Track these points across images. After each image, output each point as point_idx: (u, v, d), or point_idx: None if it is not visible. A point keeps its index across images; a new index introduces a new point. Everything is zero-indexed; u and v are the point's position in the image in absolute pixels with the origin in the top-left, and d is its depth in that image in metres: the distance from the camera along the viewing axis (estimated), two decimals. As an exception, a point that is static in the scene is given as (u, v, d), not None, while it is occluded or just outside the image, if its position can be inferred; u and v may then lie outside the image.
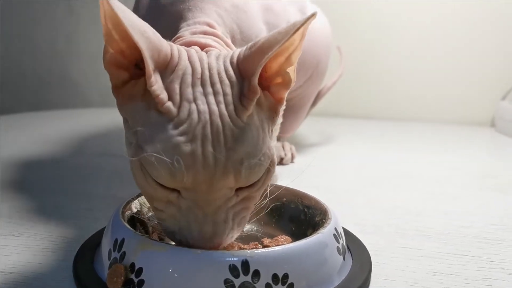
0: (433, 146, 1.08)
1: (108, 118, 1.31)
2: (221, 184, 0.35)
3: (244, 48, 0.38)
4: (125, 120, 0.39)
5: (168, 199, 0.37)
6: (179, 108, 0.35)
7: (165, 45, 0.37)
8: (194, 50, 0.39)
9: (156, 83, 0.35)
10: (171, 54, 0.37)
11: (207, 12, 0.51)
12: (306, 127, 1.02)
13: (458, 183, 0.76)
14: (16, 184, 0.70)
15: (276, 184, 0.50)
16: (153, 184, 0.36)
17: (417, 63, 1.40)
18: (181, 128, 0.34)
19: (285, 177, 0.69)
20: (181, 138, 0.34)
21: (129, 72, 0.38)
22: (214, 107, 0.35)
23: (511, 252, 0.50)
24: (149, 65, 0.35)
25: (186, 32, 0.48)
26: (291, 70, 0.39)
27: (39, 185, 0.70)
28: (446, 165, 0.88)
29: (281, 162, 0.84)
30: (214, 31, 0.49)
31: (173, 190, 0.36)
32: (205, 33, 0.48)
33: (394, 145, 1.08)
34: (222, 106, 0.36)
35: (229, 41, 0.49)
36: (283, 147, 0.86)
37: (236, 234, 0.38)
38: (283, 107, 0.41)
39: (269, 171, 0.38)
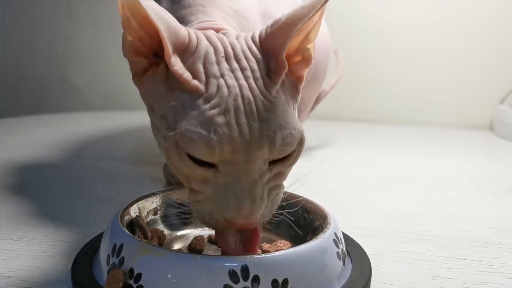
0: (431, 149, 1.08)
1: (108, 121, 1.31)
2: (257, 154, 0.35)
3: (265, 28, 0.38)
4: (150, 108, 0.39)
5: (205, 177, 0.36)
6: (206, 84, 0.35)
7: (183, 29, 0.37)
8: (211, 33, 0.40)
9: (177, 64, 0.35)
10: (189, 38, 0.37)
11: (211, 15, 0.51)
12: (305, 130, 1.02)
13: (456, 187, 0.76)
14: (15, 187, 0.70)
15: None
16: (190, 163, 0.36)
17: (416, 67, 1.40)
18: (213, 102, 0.35)
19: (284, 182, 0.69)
20: (214, 111, 0.34)
21: (148, 59, 0.38)
22: (243, 82, 0.36)
23: (509, 256, 0.50)
24: (168, 46, 0.35)
25: (194, 26, 0.48)
26: (311, 47, 0.39)
27: (38, 189, 0.70)
28: (444, 169, 0.88)
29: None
30: (222, 25, 0.48)
31: (210, 167, 0.36)
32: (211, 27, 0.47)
33: (392, 148, 1.08)
34: (251, 81, 0.36)
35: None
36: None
37: (268, 215, 0.38)
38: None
39: (301, 145, 0.38)
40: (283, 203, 0.49)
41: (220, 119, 0.34)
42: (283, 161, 0.38)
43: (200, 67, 0.36)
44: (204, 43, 0.37)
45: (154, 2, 0.35)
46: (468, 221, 0.60)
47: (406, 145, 1.11)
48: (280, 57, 0.36)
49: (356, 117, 1.45)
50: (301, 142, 0.38)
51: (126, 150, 0.98)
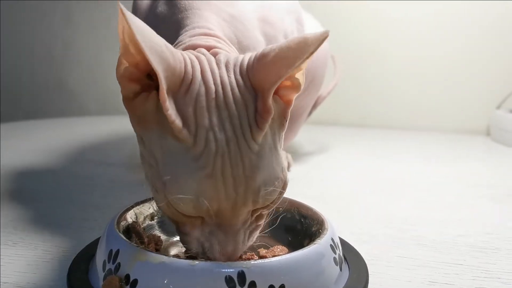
0: (428, 154, 1.08)
1: (105, 126, 1.31)
2: (242, 210, 0.37)
3: (253, 56, 0.38)
4: (140, 137, 0.39)
5: (193, 224, 0.38)
6: (195, 136, 0.35)
7: (179, 61, 0.36)
8: (204, 57, 0.39)
9: (171, 109, 0.35)
10: (185, 70, 0.37)
11: (206, 19, 0.51)
12: (302, 136, 1.02)
13: (453, 192, 0.76)
14: (11, 193, 0.70)
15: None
16: (179, 216, 0.38)
17: (412, 72, 1.41)
18: (201, 162, 0.35)
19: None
20: (201, 173, 0.35)
21: (140, 83, 0.37)
22: (231, 133, 0.36)
23: (506, 261, 0.50)
24: (164, 88, 0.34)
25: (185, 36, 0.48)
26: (300, 75, 0.39)
27: (34, 194, 0.70)
28: (441, 174, 0.88)
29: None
30: (215, 32, 0.48)
31: (197, 217, 0.38)
32: (205, 34, 0.47)
33: (389, 153, 1.08)
34: (239, 133, 0.36)
35: (229, 42, 0.49)
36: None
37: (244, 249, 0.40)
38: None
39: (281, 193, 0.39)
40: (280, 208, 0.49)
41: (209, 182, 0.35)
42: (264, 207, 0.39)
43: (191, 111, 0.36)
44: (198, 81, 0.37)
45: (151, 30, 0.35)
46: (465, 226, 0.60)
47: (403, 150, 1.12)
48: (266, 102, 0.36)
49: (353, 122, 1.45)
50: (283, 188, 0.39)
51: (123, 155, 0.98)
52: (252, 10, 0.59)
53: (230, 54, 0.42)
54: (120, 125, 1.31)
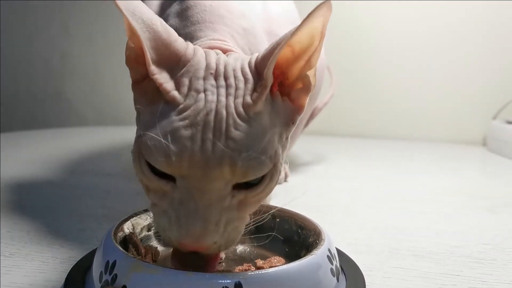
0: (425, 165, 1.08)
1: (103, 136, 1.31)
2: (217, 172, 0.34)
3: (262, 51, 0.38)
4: (138, 114, 0.39)
5: (163, 190, 0.36)
6: (185, 97, 0.35)
7: (179, 41, 0.37)
8: (214, 52, 0.40)
9: (159, 73, 0.36)
10: (186, 51, 0.37)
11: (220, 32, 0.51)
12: (298, 146, 1.02)
13: (450, 203, 0.76)
14: (8, 203, 0.69)
15: (269, 205, 0.50)
16: (148, 172, 0.36)
17: (409, 83, 1.42)
18: (184, 114, 0.34)
19: (278, 196, 0.69)
20: (181, 123, 0.34)
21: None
22: (223, 98, 0.35)
23: (503, 272, 0.50)
24: (148, 54, 0.35)
25: (202, 43, 0.48)
26: (311, 74, 0.39)
27: (31, 205, 0.70)
28: (438, 185, 0.88)
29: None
30: (230, 45, 0.48)
31: (168, 181, 0.35)
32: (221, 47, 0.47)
33: (386, 164, 1.08)
34: (231, 98, 0.36)
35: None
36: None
37: (224, 246, 0.36)
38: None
39: (272, 177, 0.37)
40: (277, 219, 0.49)
41: (185, 132, 0.34)
42: (249, 189, 0.36)
43: (186, 80, 0.36)
44: (199, 58, 0.37)
45: (147, 8, 0.36)
46: (462, 237, 0.60)
47: (400, 161, 1.12)
48: (264, 74, 0.36)
49: (349, 133, 1.46)
50: (272, 173, 0.37)
51: (120, 165, 0.98)
52: (261, 24, 0.59)
53: (244, 55, 0.42)
54: (117, 135, 1.32)
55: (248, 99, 0.36)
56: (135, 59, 0.38)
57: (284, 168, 0.87)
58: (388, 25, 1.40)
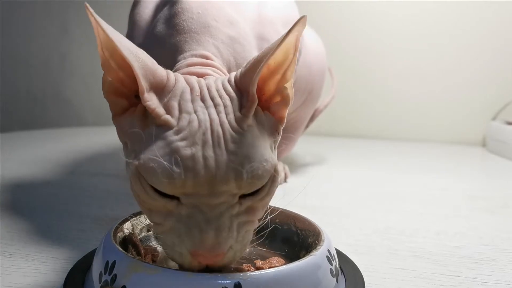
0: (425, 165, 1.08)
1: (102, 137, 1.31)
2: (223, 188, 0.34)
3: (240, 69, 0.39)
4: (125, 145, 0.39)
5: (167, 209, 0.36)
6: (178, 120, 0.35)
7: (161, 69, 0.37)
8: (193, 77, 0.40)
9: (151, 100, 0.36)
10: (167, 77, 0.37)
11: (204, 44, 0.51)
12: (298, 147, 1.02)
13: (449, 203, 0.76)
14: (7, 203, 0.69)
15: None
16: (151, 194, 0.35)
17: (409, 84, 1.42)
18: (181, 134, 0.35)
19: (278, 197, 0.69)
20: (181, 143, 0.34)
21: (128, 100, 0.38)
22: (215, 116, 0.36)
23: (502, 272, 0.50)
24: (142, 82, 0.35)
25: (182, 64, 0.48)
26: (289, 87, 0.39)
27: (31, 205, 0.70)
28: (437, 185, 0.88)
29: (273, 181, 0.83)
30: (212, 62, 0.49)
31: (172, 198, 0.35)
32: (202, 64, 0.48)
33: (386, 165, 1.08)
34: (223, 115, 0.36)
35: (226, 71, 0.50)
36: (276, 167, 0.86)
37: (239, 251, 0.37)
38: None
39: (274, 180, 0.37)
40: (277, 219, 0.49)
41: (186, 152, 0.34)
42: (254, 195, 0.36)
43: (175, 103, 0.36)
44: (182, 83, 0.38)
45: (130, 42, 0.36)
46: (462, 238, 0.60)
47: (400, 162, 1.12)
48: (250, 91, 0.36)
49: (350, 133, 1.46)
50: (273, 176, 0.37)
51: (120, 166, 0.98)
52: (250, 28, 0.59)
53: (221, 77, 0.42)
54: (116, 135, 1.31)
55: (239, 114, 0.36)
56: (114, 92, 0.38)
57: (284, 168, 0.87)
58: (388, 26, 1.40)
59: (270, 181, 0.37)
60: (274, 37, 0.62)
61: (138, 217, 0.48)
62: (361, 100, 1.45)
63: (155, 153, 0.34)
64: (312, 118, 0.93)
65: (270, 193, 0.38)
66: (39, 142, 1.26)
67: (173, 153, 0.34)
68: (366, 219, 0.67)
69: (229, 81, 0.39)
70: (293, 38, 0.36)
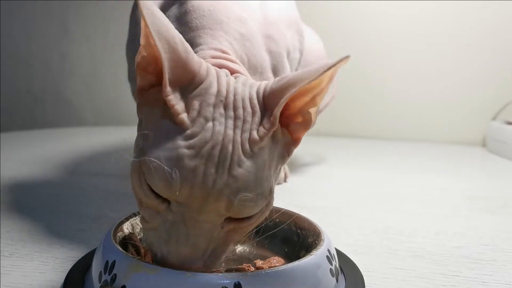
0: (425, 165, 1.08)
1: (101, 136, 1.31)
2: (213, 207, 0.35)
3: (272, 81, 0.38)
4: (140, 122, 0.39)
5: (157, 209, 0.36)
6: (193, 122, 0.35)
7: (195, 61, 0.37)
8: (224, 73, 0.40)
9: (173, 94, 0.35)
10: (199, 71, 0.37)
11: (219, 39, 0.51)
12: (299, 147, 1.02)
13: (449, 203, 0.76)
14: (7, 203, 0.69)
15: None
16: (146, 190, 0.36)
17: (409, 84, 1.42)
18: (191, 142, 0.34)
19: (278, 197, 0.69)
20: (186, 151, 0.34)
21: (157, 78, 0.38)
22: (230, 131, 0.35)
23: (502, 272, 0.50)
24: (166, 74, 0.35)
25: (205, 54, 0.48)
26: (313, 111, 0.39)
27: (31, 205, 0.69)
28: (437, 185, 0.88)
29: (274, 181, 0.84)
30: (230, 57, 0.49)
31: (164, 201, 0.36)
32: (220, 58, 0.47)
33: (385, 165, 1.08)
34: (238, 132, 0.36)
35: (244, 68, 0.49)
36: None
37: (211, 265, 0.37)
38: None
39: (263, 212, 0.38)
40: (277, 219, 0.49)
41: (189, 162, 0.34)
42: (240, 221, 0.37)
43: (196, 104, 0.36)
44: (211, 81, 0.37)
45: (170, 24, 0.36)
46: (462, 238, 0.60)
47: (399, 162, 1.12)
48: (273, 114, 0.36)
49: (350, 133, 1.46)
50: (265, 208, 0.37)
51: (120, 166, 0.98)
52: (258, 28, 0.59)
53: (251, 80, 0.42)
54: (116, 135, 1.31)
55: (255, 134, 0.36)
56: (144, 67, 0.38)
57: (283, 168, 0.87)
58: (388, 26, 1.40)
59: (260, 213, 0.37)
60: (281, 37, 0.63)
61: (138, 217, 0.48)
62: (360, 100, 1.45)
63: (159, 154, 0.34)
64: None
65: (257, 221, 0.38)
66: (39, 142, 1.26)
67: (176, 160, 0.34)
68: (366, 219, 0.67)
69: (258, 90, 0.38)
70: (330, 72, 0.36)
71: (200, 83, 0.37)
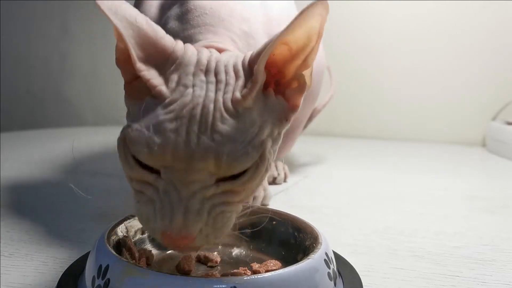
0: (424, 166, 1.08)
1: (102, 136, 1.30)
2: (201, 165, 0.34)
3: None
4: (128, 110, 0.39)
5: (147, 181, 0.35)
6: (172, 92, 0.35)
7: (166, 38, 0.37)
8: (208, 50, 0.40)
9: (147, 70, 0.36)
10: (174, 48, 0.37)
11: (220, 36, 0.51)
12: (297, 147, 1.02)
13: (449, 203, 0.76)
14: (7, 203, 0.69)
15: (265, 207, 0.49)
16: (133, 163, 0.36)
17: (409, 84, 1.42)
18: (170, 108, 0.35)
19: (277, 197, 0.69)
20: (166, 116, 0.34)
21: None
22: (212, 93, 0.35)
23: (503, 273, 0.50)
24: (133, 51, 0.35)
25: (199, 44, 0.48)
26: (307, 74, 0.39)
27: (31, 205, 0.69)
28: (437, 185, 0.88)
29: (274, 181, 0.84)
30: (227, 47, 0.48)
31: (153, 172, 0.35)
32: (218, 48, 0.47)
33: (384, 165, 1.08)
34: (220, 93, 0.36)
35: None
36: (276, 167, 0.86)
37: (212, 235, 0.35)
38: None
39: (257, 167, 0.36)
40: (274, 222, 0.49)
41: (170, 124, 0.34)
42: (235, 179, 0.35)
43: (175, 76, 0.36)
44: (189, 55, 0.38)
45: (134, 10, 0.36)
46: (462, 238, 0.60)
47: (399, 162, 1.12)
48: (255, 70, 0.36)
49: (349, 133, 1.45)
50: (259, 161, 0.36)
51: (120, 165, 0.98)
52: (261, 25, 0.59)
53: (238, 53, 0.42)
54: (116, 135, 1.31)
55: (238, 94, 0.36)
56: (124, 60, 0.38)
57: (283, 168, 0.87)
58: (387, 25, 1.40)
59: (254, 168, 0.36)
60: None
61: (132, 219, 0.47)
62: (360, 100, 1.45)
63: (141, 124, 0.35)
64: (310, 118, 0.93)
65: (253, 179, 0.36)
66: (39, 142, 1.26)
67: (157, 125, 0.34)
68: (366, 219, 0.67)
69: (243, 59, 0.38)
70: (316, 22, 0.35)
71: (177, 58, 0.37)
